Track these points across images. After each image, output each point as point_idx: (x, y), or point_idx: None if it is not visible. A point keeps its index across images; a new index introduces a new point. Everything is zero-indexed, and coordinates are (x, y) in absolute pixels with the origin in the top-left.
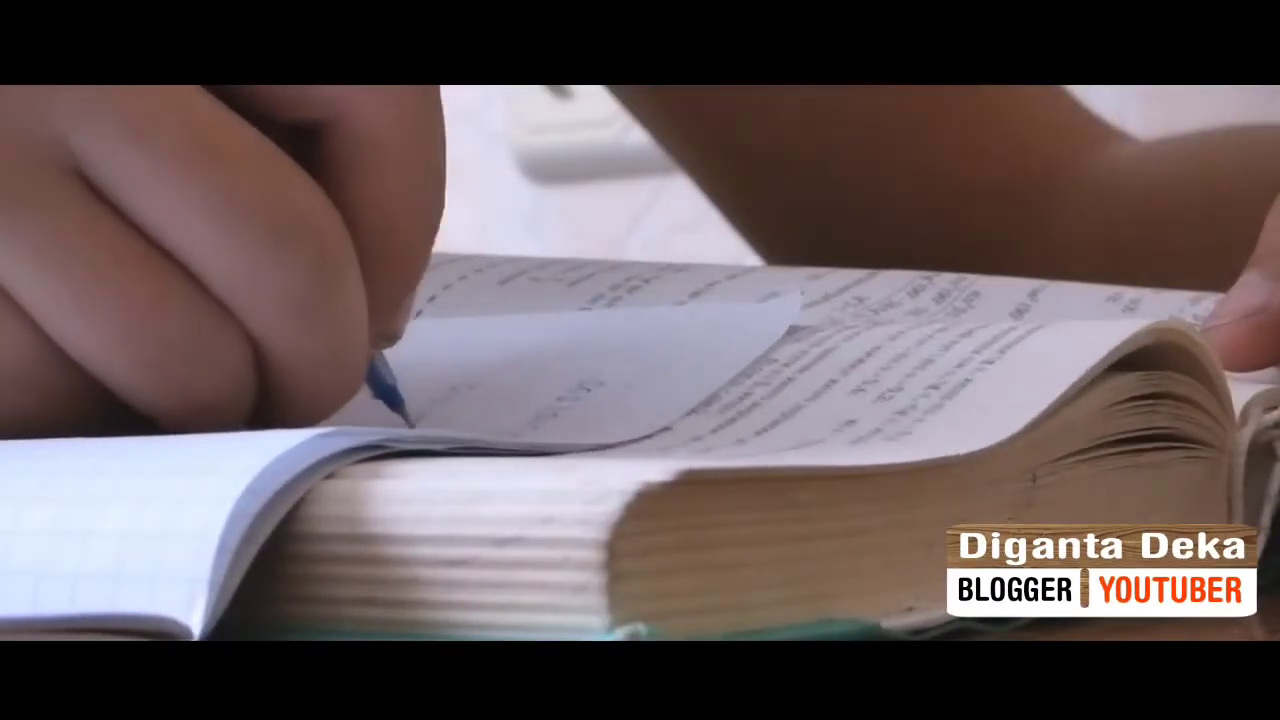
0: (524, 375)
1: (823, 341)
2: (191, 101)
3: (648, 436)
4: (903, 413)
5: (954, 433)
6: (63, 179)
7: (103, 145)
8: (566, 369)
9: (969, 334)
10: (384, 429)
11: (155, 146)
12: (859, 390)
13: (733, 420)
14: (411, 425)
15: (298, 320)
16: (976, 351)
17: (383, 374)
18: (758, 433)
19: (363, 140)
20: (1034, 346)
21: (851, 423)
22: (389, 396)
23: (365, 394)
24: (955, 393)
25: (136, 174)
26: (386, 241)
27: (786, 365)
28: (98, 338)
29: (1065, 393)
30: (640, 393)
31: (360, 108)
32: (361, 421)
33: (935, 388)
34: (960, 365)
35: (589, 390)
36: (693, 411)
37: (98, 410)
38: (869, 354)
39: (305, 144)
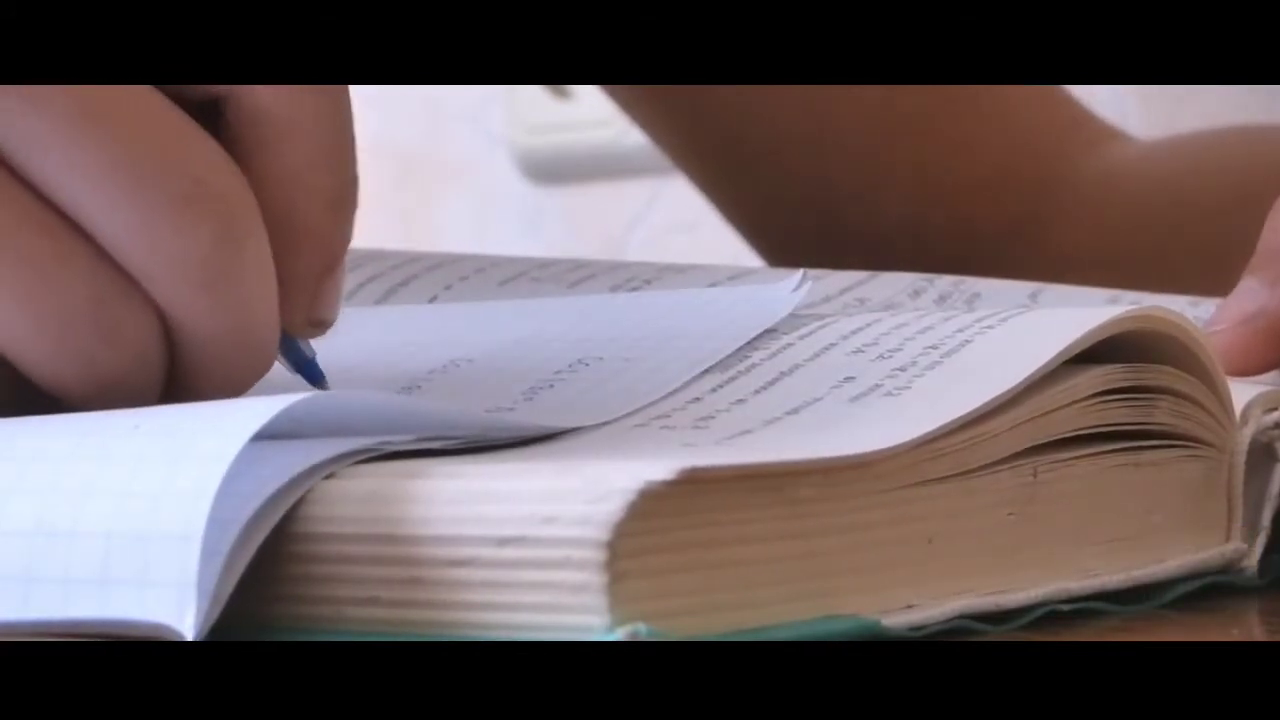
0: (523, 351)
1: (823, 318)
2: None
3: (647, 406)
4: (902, 369)
5: (954, 389)
6: None
7: None
8: (566, 346)
9: (971, 310)
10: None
11: (50, 109)
12: (858, 351)
13: (732, 379)
14: None
15: (200, 287)
16: (978, 320)
17: (300, 346)
18: (756, 391)
19: (258, 116)
20: (1034, 317)
21: (850, 379)
22: (308, 371)
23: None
24: (955, 351)
25: (33, 138)
26: (291, 219)
27: (786, 334)
28: None
29: (1067, 348)
30: (638, 366)
31: (251, 84)
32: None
33: (934, 348)
34: (960, 330)
35: (587, 365)
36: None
37: (2, 392)
38: (869, 324)
39: (217, 121)
